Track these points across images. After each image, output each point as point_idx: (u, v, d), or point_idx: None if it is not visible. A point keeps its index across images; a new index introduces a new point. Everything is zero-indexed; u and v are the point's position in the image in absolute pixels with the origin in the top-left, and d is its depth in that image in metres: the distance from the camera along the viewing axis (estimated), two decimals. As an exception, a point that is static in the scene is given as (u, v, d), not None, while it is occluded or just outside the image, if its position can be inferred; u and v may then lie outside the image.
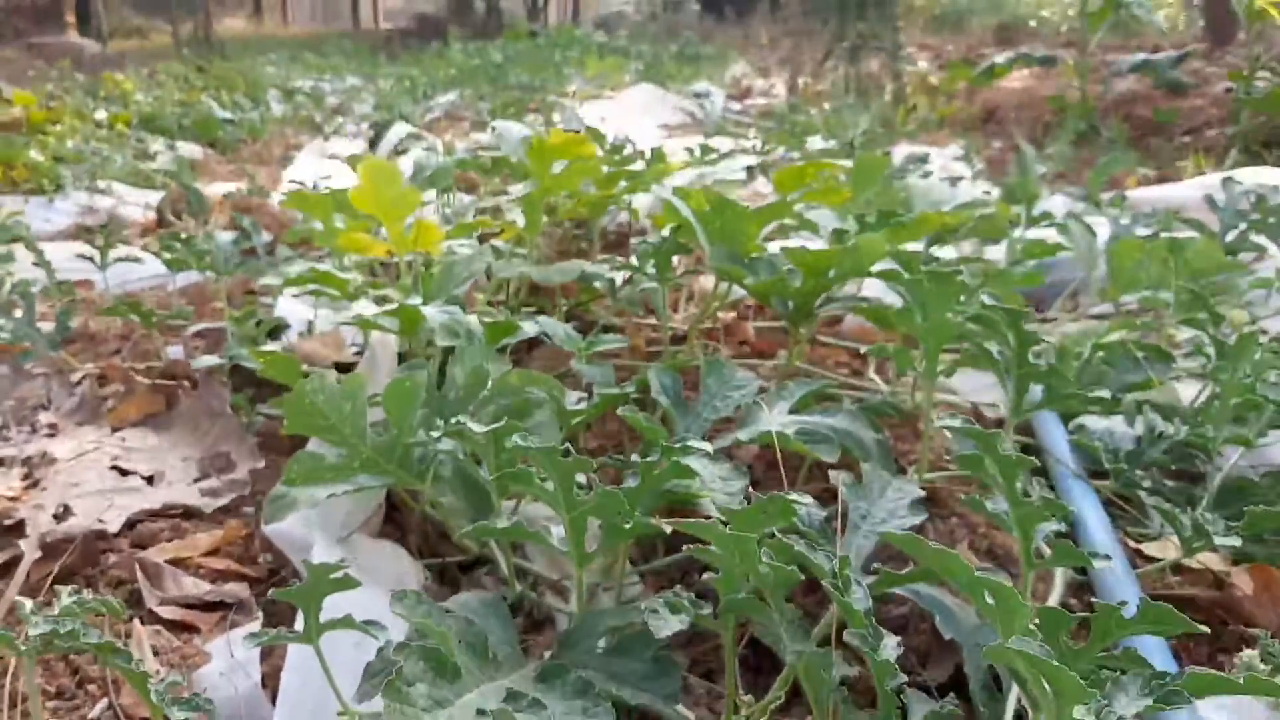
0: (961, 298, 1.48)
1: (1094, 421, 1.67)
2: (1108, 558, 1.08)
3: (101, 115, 7.25)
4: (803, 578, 1.01)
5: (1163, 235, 2.38)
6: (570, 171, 2.47)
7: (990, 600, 0.85)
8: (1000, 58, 5.62)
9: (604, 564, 1.54)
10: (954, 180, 3.90)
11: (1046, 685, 0.80)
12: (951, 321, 1.48)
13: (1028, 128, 5.47)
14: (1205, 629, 0.92)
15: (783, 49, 9.89)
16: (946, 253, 2.63)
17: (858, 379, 2.21)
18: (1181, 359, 1.83)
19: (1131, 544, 1.46)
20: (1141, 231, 2.58)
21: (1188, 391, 1.84)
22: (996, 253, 2.74)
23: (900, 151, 4.88)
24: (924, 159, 4.19)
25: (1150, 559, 1.42)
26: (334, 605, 1.17)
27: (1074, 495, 1.49)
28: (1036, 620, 0.96)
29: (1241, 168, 3.61)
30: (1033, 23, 11.46)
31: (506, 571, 1.57)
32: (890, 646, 0.97)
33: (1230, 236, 2.46)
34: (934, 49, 10.51)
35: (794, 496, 1.09)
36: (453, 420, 1.44)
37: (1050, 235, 2.51)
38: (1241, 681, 0.81)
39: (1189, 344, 1.93)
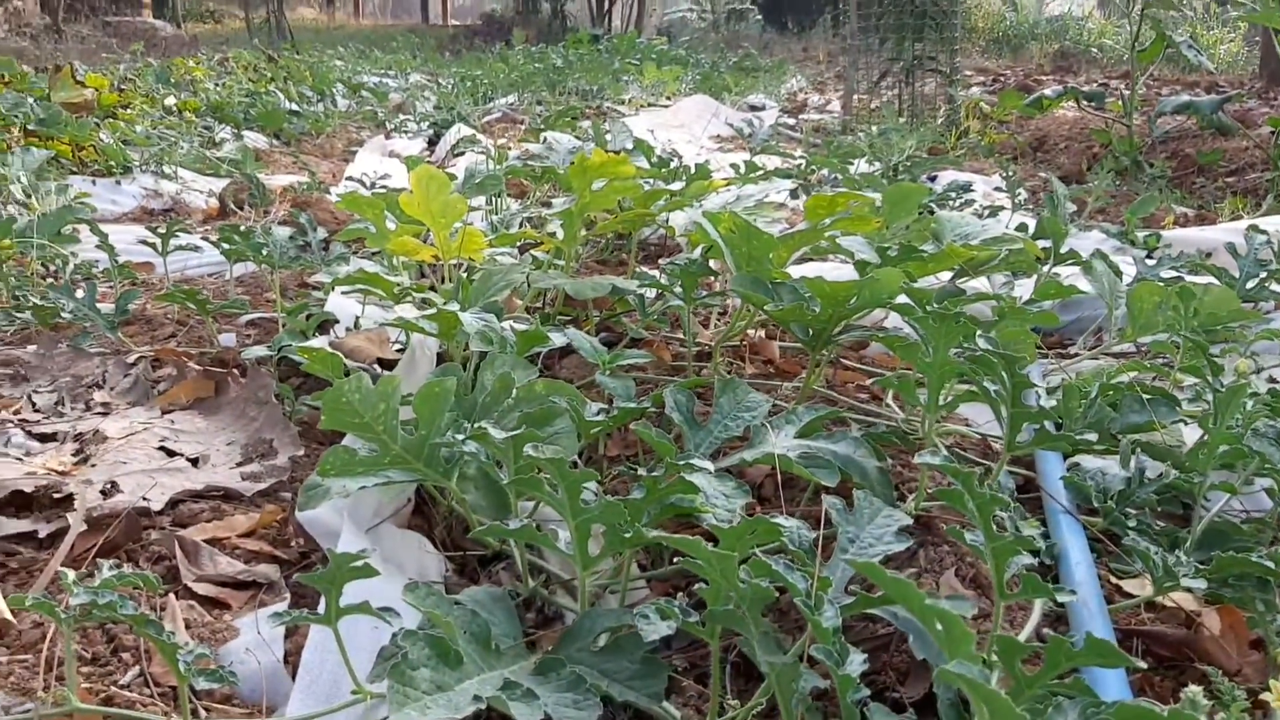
0: (965, 339, 1.56)
1: (1089, 460, 1.74)
2: (1072, 592, 1.15)
3: (171, 101, 7.46)
4: (777, 595, 1.09)
5: (1186, 279, 2.43)
6: (610, 190, 2.57)
7: (940, 627, 0.93)
8: (1050, 91, 5.64)
9: (613, 567, 1.64)
10: (994, 210, 3.96)
11: (985, 709, 0.88)
12: (954, 360, 1.56)
13: (1075, 159, 5.48)
14: (1142, 664, 0.99)
15: (840, 65, 9.92)
16: (976, 284, 2.70)
17: (875, 404, 2.28)
18: (1187, 403, 1.88)
19: (1114, 580, 1.53)
20: (1167, 274, 2.62)
21: (1194, 435, 1.89)
22: (1028, 286, 2.80)
23: (945, 177, 4.94)
24: (966, 187, 4.25)
25: (1129, 595, 1.48)
26: (357, 590, 1.27)
27: (1061, 530, 1.56)
28: (995, 648, 1.04)
29: (1276, 215, 3.63)
30: (1094, 50, 11.40)
31: (521, 568, 1.67)
32: (856, 663, 1.05)
33: (1250, 284, 2.51)
34: (991, 72, 10.51)
35: (780, 520, 1.18)
36: (477, 425, 1.54)
37: (1076, 273, 2.57)
38: (1165, 715, 0.89)
39: (1193, 389, 1.99)
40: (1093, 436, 1.53)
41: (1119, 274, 2.53)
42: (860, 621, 1.46)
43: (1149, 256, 2.90)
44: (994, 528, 1.18)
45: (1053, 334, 2.84)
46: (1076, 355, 2.59)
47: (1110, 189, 4.41)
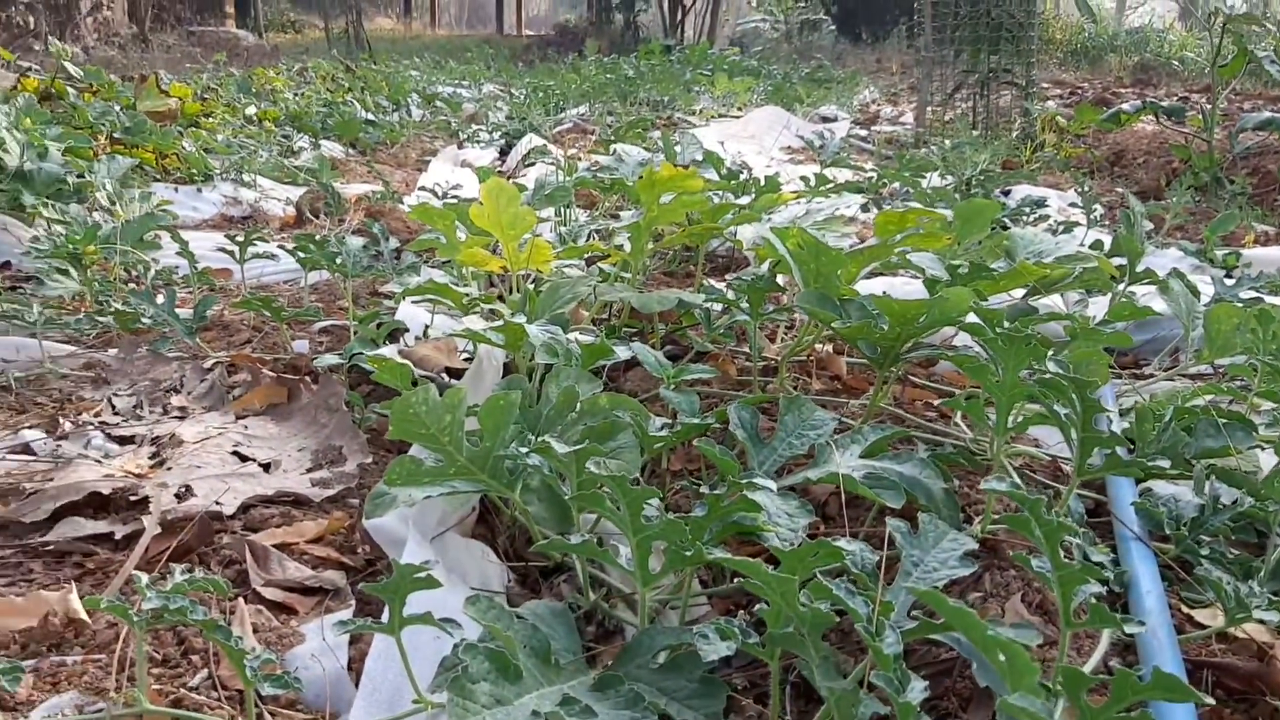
0: (1035, 360, 1.53)
1: (1162, 486, 1.70)
2: (1141, 623, 1.13)
3: (251, 110, 7.63)
4: (838, 618, 1.09)
5: (1266, 300, 2.37)
6: (677, 204, 2.57)
7: (1002, 659, 0.91)
8: (1128, 105, 5.53)
9: (674, 583, 1.64)
10: (1069, 226, 3.89)
11: (1048, 741, 0.87)
12: (1023, 382, 1.54)
13: (1154, 174, 5.37)
14: (1210, 700, 0.96)
15: (914, 76, 9.84)
16: (1049, 302, 2.65)
17: (944, 422, 2.25)
18: (1264, 428, 1.83)
19: (1185, 609, 1.49)
20: (1246, 294, 2.56)
21: (1271, 461, 1.84)
22: (1102, 304, 2.75)
23: (1019, 192, 4.86)
24: (1041, 202, 4.19)
25: (1201, 626, 1.45)
26: (421, 599, 1.29)
27: (1131, 557, 1.52)
28: (1060, 679, 1.02)
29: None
30: (1175, 63, 11.15)
31: (583, 581, 1.67)
32: (917, 690, 1.04)
33: (1335, 308, 2.43)
34: (1069, 85, 10.33)
35: (843, 543, 1.17)
36: (541, 438, 1.55)
37: (1152, 293, 2.52)
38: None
39: (1271, 414, 1.94)
40: (1165, 462, 1.50)
41: (1196, 294, 2.48)
42: (923, 645, 1.44)
43: (1228, 276, 2.83)
44: (1061, 555, 1.16)
45: (1128, 354, 2.78)
46: (1152, 376, 2.53)
47: (1189, 206, 4.31)
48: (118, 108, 5.83)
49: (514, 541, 1.95)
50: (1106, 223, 4.08)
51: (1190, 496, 1.64)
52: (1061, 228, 3.87)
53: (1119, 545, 1.60)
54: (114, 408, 2.50)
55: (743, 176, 3.91)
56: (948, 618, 1.01)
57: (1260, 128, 5.04)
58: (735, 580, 1.65)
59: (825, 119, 9.24)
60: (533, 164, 5.79)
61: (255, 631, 1.53)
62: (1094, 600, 1.16)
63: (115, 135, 5.46)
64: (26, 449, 2.25)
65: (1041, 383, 1.48)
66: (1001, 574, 1.57)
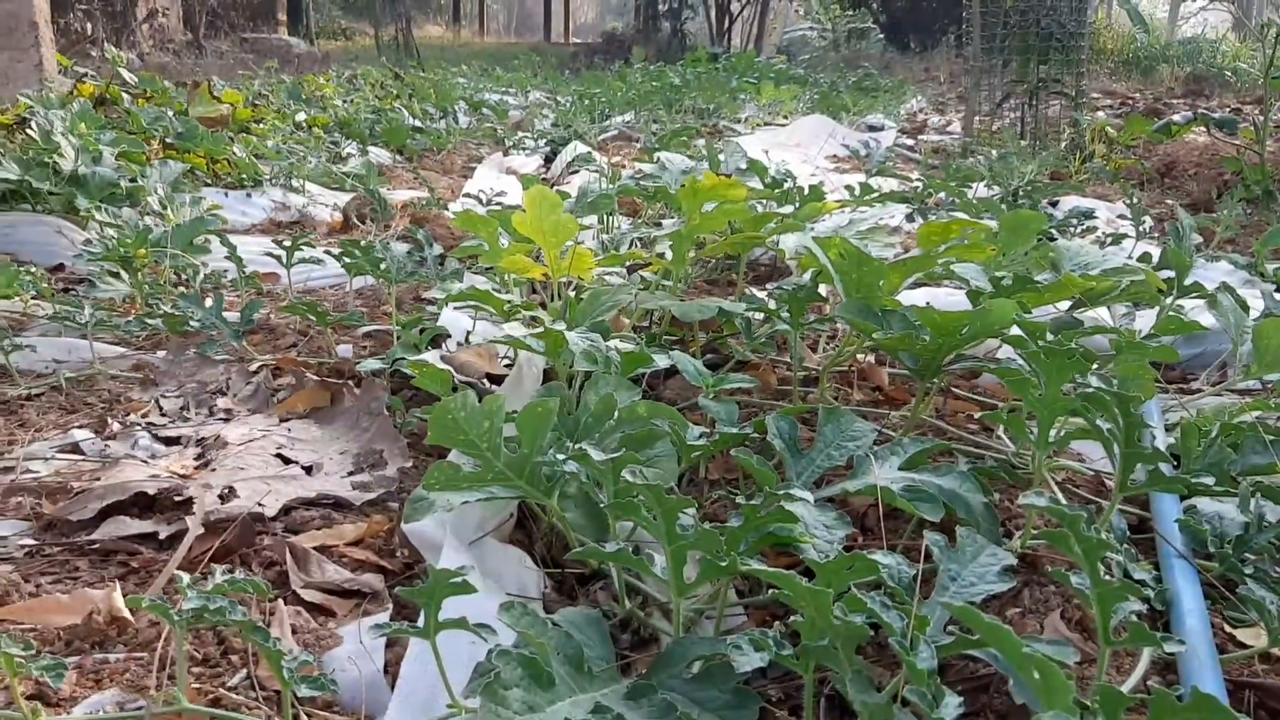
0: (1078, 375, 1.52)
1: (1206, 503, 1.67)
2: (1181, 642, 1.11)
3: (301, 117, 7.73)
4: (873, 632, 1.08)
5: (1320, 317, 2.32)
6: (720, 212, 2.57)
7: (1037, 676, 0.90)
8: (1179, 116, 5.45)
9: (709, 592, 1.64)
10: (1117, 238, 3.84)
11: (1083, 760, 0.86)
12: (1066, 397, 1.52)
13: (1204, 186, 5.29)
14: (1253, 725, 0.95)
15: (962, 85, 9.77)
16: (1094, 315, 2.62)
17: (985, 435, 2.23)
18: (1315, 448, 1.80)
19: (1228, 628, 1.47)
20: (1298, 310, 2.51)
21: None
22: (1149, 317, 2.71)
23: (1067, 203, 4.81)
24: (1089, 214, 4.14)
25: (1244, 645, 1.42)
26: (457, 604, 1.29)
27: (1174, 575, 1.50)
28: (1097, 698, 1.00)
29: None
30: (1228, 74, 10.97)
31: (618, 589, 1.67)
32: (951, 706, 1.03)
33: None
34: (1120, 95, 10.21)
35: (879, 556, 1.16)
36: (578, 445, 1.55)
37: (1200, 307, 2.48)
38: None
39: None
40: (1210, 479, 1.47)
41: (1246, 308, 2.43)
42: (960, 660, 1.43)
43: (1278, 290, 2.78)
44: (1101, 572, 1.14)
45: (1175, 368, 2.74)
46: (1199, 391, 2.49)
47: (1240, 218, 4.24)
48: (171, 113, 5.93)
49: (551, 548, 1.95)
50: (1155, 235, 4.02)
51: (1235, 514, 1.61)
52: (1109, 240, 3.82)
53: (1161, 562, 1.58)
54: (161, 409, 2.54)
55: (786, 185, 3.90)
56: (982, 634, 1.00)
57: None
58: (771, 591, 1.65)
59: (872, 128, 9.20)
60: (577, 171, 5.82)
61: (294, 633, 1.55)
62: (1134, 618, 1.15)
63: (168, 140, 5.55)
64: (76, 448, 2.29)
65: (1084, 397, 1.46)
66: (1041, 590, 1.55)
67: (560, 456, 1.58)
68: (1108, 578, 1.15)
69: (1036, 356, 1.55)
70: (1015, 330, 1.87)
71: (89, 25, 18.55)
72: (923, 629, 1.11)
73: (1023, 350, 1.70)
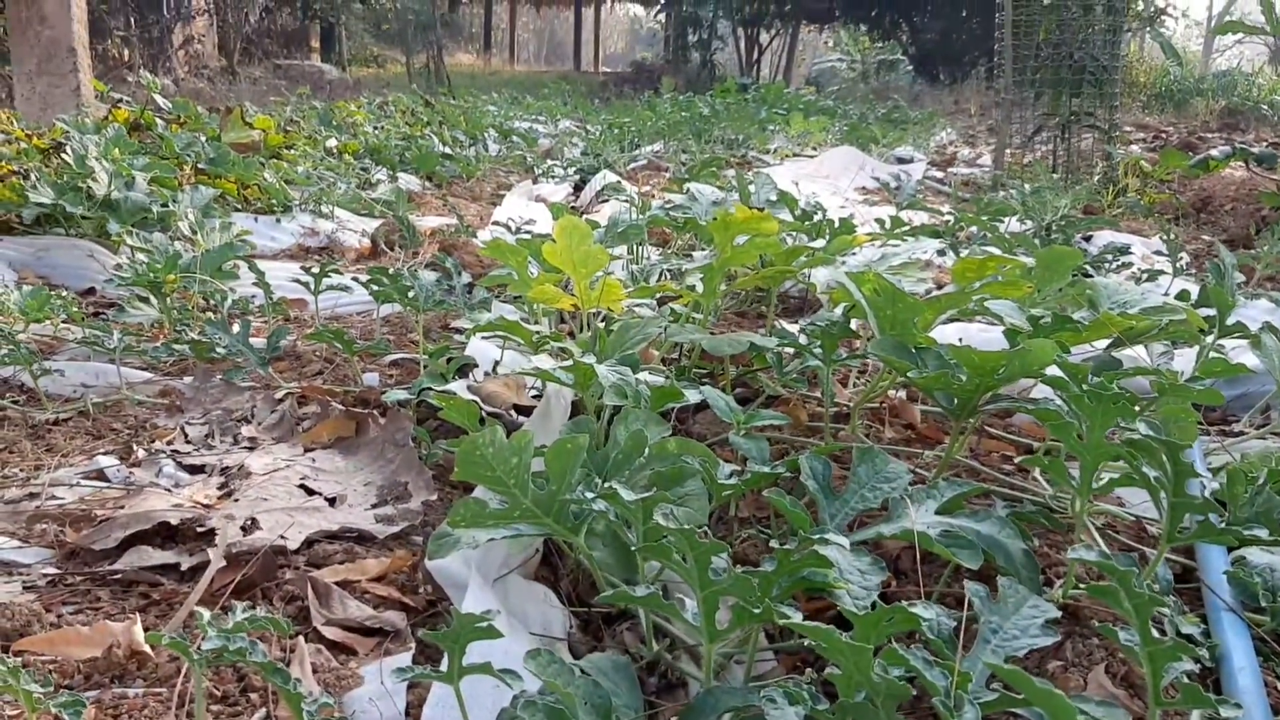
0: (1122, 420, 1.47)
1: (1256, 554, 1.62)
2: (1237, 706, 1.06)
3: (332, 143, 7.77)
4: (913, 692, 1.04)
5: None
6: (751, 245, 2.54)
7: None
8: (1216, 151, 5.39)
9: (740, 637, 1.59)
10: (1154, 275, 3.78)
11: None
12: (1110, 443, 1.47)
13: (1242, 222, 5.22)
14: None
15: (993, 118, 9.73)
16: (1133, 354, 2.57)
17: (1021, 477, 2.18)
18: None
19: (1281, 688, 1.41)
20: (1344, 352, 2.44)
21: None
22: (1189, 356, 2.65)
23: (1101, 238, 4.76)
24: (1124, 249, 4.08)
25: (1299, 707, 1.37)
26: (481, 645, 1.26)
27: (1223, 629, 1.45)
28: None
29: None
30: (1264, 108, 10.88)
31: (646, 631, 1.64)
32: (996, 768, 0.99)
33: None
34: (1153, 129, 10.13)
35: (919, 609, 1.12)
36: (607, 484, 1.52)
37: (1243, 347, 2.42)
38: None
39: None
40: (1262, 531, 1.42)
41: (1291, 349, 2.38)
42: (1003, 716, 1.38)
43: (1324, 331, 2.71)
44: (1152, 631, 1.10)
45: (1215, 410, 2.68)
46: (1242, 434, 2.43)
47: (1281, 256, 4.17)
48: (203, 139, 5.97)
49: (577, 585, 1.92)
50: (1192, 271, 3.96)
51: (1288, 566, 1.56)
52: (1145, 276, 3.77)
53: (1209, 615, 1.52)
54: (186, 436, 2.53)
55: (816, 217, 3.87)
56: (1032, 699, 0.95)
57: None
58: (803, 638, 1.60)
59: (901, 160, 9.17)
60: (606, 200, 5.81)
61: (314, 672, 1.51)
62: (1185, 679, 1.10)
63: (200, 166, 5.58)
64: (101, 475, 2.28)
65: (1130, 443, 1.42)
66: (1084, 642, 1.50)
67: (589, 495, 1.55)
68: (1157, 635, 1.10)
69: (1080, 400, 1.51)
70: (1054, 370, 1.82)
71: (126, 51, 18.83)
72: (964, 686, 1.07)
73: (1065, 393, 1.66)
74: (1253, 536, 1.41)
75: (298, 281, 3.43)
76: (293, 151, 6.93)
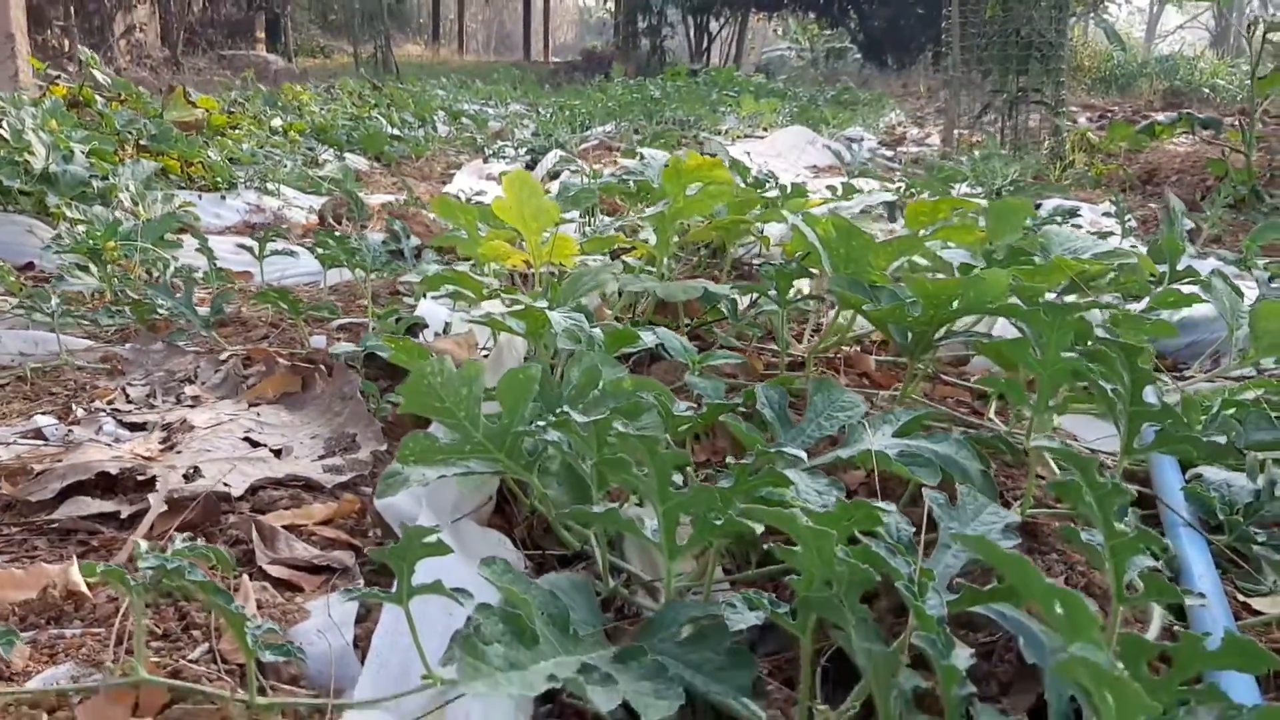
0: (1077, 338, 1.46)
1: (1212, 472, 1.62)
2: (1201, 595, 1.05)
3: (277, 122, 7.65)
4: (879, 578, 1.01)
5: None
6: (704, 195, 2.51)
7: (1060, 611, 0.84)
8: (1163, 116, 5.45)
9: (696, 569, 1.57)
10: (1103, 235, 3.81)
11: (1110, 699, 0.79)
12: (1067, 358, 1.46)
13: (1188, 191, 5.28)
14: (1285, 666, 0.88)
15: (941, 99, 9.78)
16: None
17: (976, 419, 2.18)
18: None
19: (1240, 597, 1.41)
20: (1293, 295, 2.47)
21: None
22: (1137, 310, 2.67)
23: (1051, 204, 4.79)
24: (1073, 212, 4.11)
25: (1258, 613, 1.36)
26: (431, 573, 1.22)
27: (1182, 543, 1.44)
28: (1117, 647, 0.94)
29: None
30: (1206, 90, 11.04)
31: (602, 568, 1.60)
32: (962, 656, 0.97)
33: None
34: (1099, 108, 10.25)
35: (879, 505, 1.10)
36: (560, 410, 1.48)
37: (1195, 292, 2.44)
38: (1317, 720, 0.79)
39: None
40: (1222, 439, 1.41)
41: (1240, 294, 2.39)
42: (960, 630, 1.36)
43: (1273, 280, 2.74)
44: (1114, 524, 1.08)
45: (1166, 357, 2.69)
46: (1192, 378, 2.45)
47: (1226, 219, 4.22)
48: (145, 119, 5.84)
49: (531, 531, 1.88)
50: (1140, 233, 3.99)
51: (1244, 482, 1.56)
52: (1096, 236, 3.79)
53: (1168, 532, 1.52)
54: (127, 396, 2.45)
55: (769, 186, 3.86)
56: (998, 565, 0.93)
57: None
58: (761, 567, 1.58)
59: (851, 140, 9.19)
60: (558, 173, 5.76)
61: (259, 607, 1.46)
62: (1148, 572, 1.09)
63: (141, 143, 5.46)
64: (38, 434, 2.21)
65: (1087, 354, 1.40)
66: (1043, 558, 1.49)
67: (541, 424, 1.51)
68: (1121, 527, 1.09)
69: (1036, 317, 1.50)
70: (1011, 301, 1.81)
71: (66, 42, 18.42)
72: (929, 580, 1.05)
73: (1017, 315, 1.65)
74: (1211, 442, 1.40)
75: (242, 247, 3.37)
76: (238, 131, 6.81)
